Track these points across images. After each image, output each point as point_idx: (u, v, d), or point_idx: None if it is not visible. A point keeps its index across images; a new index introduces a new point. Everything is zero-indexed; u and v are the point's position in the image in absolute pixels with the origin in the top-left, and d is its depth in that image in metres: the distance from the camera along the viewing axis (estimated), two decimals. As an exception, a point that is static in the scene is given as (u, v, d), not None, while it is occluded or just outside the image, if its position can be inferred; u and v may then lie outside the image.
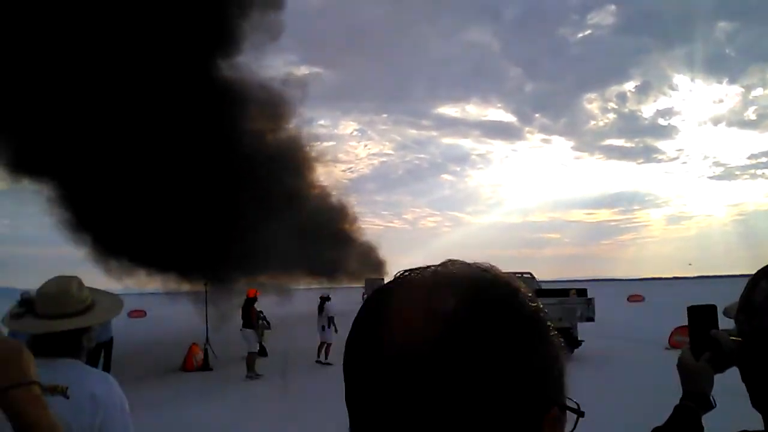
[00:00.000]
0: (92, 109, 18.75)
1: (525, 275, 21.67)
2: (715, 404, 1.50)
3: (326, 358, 17.44)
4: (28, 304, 2.47)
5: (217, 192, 21.37)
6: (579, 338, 17.87)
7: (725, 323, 1.45)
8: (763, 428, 1.22)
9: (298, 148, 31.62)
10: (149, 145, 19.57)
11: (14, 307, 2.51)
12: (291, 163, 30.33)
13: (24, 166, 20.64)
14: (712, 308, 1.50)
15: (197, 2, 20.73)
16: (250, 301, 15.98)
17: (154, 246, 20.93)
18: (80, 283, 2.60)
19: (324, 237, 35.22)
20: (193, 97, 20.84)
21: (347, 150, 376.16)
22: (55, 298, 2.49)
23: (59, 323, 2.41)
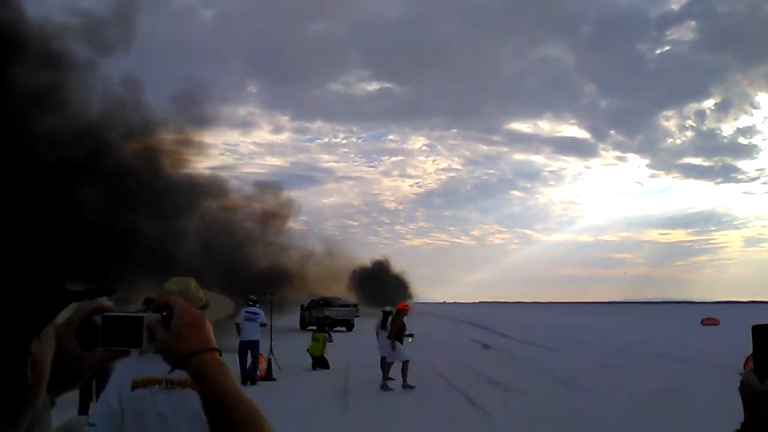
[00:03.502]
0: None
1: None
2: None
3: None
4: (149, 303, 2.64)
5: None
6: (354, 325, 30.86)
7: None
8: None
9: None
10: None
11: (138, 306, 2.74)
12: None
13: None
14: None
15: None
16: (398, 313, 16.36)
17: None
18: (197, 284, 2.91)
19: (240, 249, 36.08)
20: None
21: (415, 165, 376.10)
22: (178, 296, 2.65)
23: None
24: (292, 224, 47.64)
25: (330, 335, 20.75)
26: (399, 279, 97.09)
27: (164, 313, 1.15)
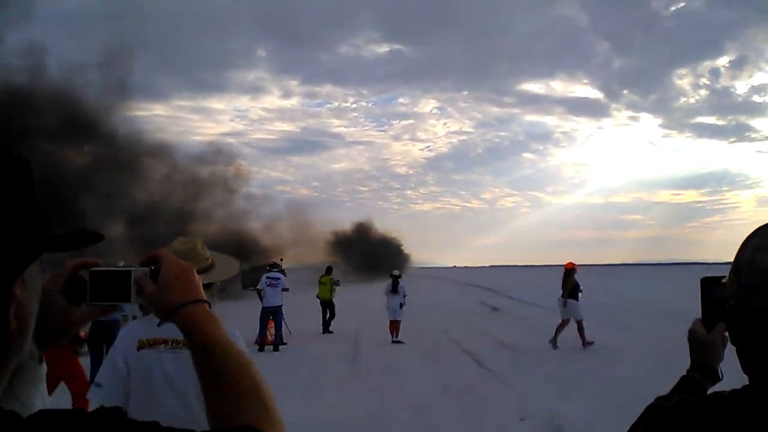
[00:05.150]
0: None
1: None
2: (722, 377, 1.50)
3: (397, 336, 17.57)
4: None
5: None
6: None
7: None
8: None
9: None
10: None
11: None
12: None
13: None
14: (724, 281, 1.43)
15: None
16: (568, 273, 16.61)
17: None
18: (203, 243, 2.91)
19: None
20: None
21: (426, 128, 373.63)
22: (184, 256, 2.66)
23: None
24: (250, 190, 48.59)
25: (337, 281, 21.38)
26: (388, 241, 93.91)
27: (152, 267, 1.14)
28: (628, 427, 1.36)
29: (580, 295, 16.36)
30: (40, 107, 30.81)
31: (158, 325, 1.21)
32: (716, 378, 1.51)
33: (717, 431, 1.14)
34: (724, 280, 1.30)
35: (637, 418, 1.35)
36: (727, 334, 1.33)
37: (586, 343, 15.93)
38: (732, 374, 1.48)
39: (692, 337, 1.55)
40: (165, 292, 1.12)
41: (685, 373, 1.54)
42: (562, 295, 16.38)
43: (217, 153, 47.04)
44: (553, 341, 16.01)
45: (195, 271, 1.17)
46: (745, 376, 1.20)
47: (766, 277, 1.13)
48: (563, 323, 16.22)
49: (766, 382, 1.13)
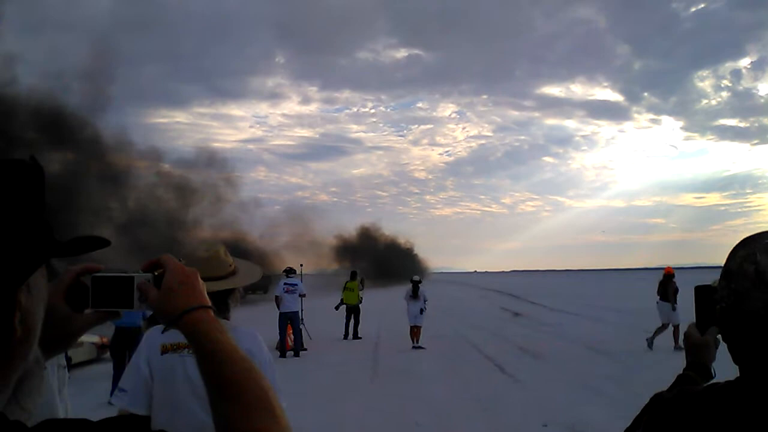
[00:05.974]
0: None
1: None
2: (715, 374, 1.65)
3: (418, 342, 17.49)
4: None
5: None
6: None
7: None
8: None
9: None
10: None
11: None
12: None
13: None
14: (716, 288, 1.55)
15: None
16: (668, 278, 16.97)
17: None
18: (225, 249, 2.88)
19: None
20: None
21: (445, 133, 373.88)
22: (206, 262, 2.72)
23: (210, 285, 2.58)
24: (247, 195, 49.24)
25: (362, 279, 21.42)
26: (397, 246, 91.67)
27: (156, 273, 1.13)
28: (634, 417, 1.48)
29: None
30: (25, 113, 31.16)
31: (162, 332, 1.19)
32: (709, 376, 1.66)
33: (713, 417, 1.29)
34: (713, 284, 1.48)
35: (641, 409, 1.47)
36: (719, 336, 1.54)
37: (678, 347, 16.11)
38: (724, 372, 1.57)
39: (688, 339, 1.71)
40: (168, 298, 1.10)
41: (681, 371, 1.69)
42: (660, 299, 16.76)
43: (210, 159, 47.17)
44: (650, 341, 16.50)
45: (199, 276, 1.15)
46: (734, 374, 1.34)
47: (754, 284, 1.28)
48: (663, 327, 16.55)
49: (756, 375, 1.29)
